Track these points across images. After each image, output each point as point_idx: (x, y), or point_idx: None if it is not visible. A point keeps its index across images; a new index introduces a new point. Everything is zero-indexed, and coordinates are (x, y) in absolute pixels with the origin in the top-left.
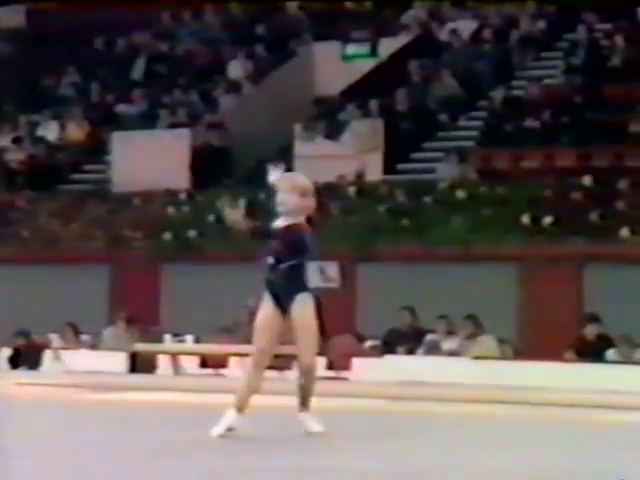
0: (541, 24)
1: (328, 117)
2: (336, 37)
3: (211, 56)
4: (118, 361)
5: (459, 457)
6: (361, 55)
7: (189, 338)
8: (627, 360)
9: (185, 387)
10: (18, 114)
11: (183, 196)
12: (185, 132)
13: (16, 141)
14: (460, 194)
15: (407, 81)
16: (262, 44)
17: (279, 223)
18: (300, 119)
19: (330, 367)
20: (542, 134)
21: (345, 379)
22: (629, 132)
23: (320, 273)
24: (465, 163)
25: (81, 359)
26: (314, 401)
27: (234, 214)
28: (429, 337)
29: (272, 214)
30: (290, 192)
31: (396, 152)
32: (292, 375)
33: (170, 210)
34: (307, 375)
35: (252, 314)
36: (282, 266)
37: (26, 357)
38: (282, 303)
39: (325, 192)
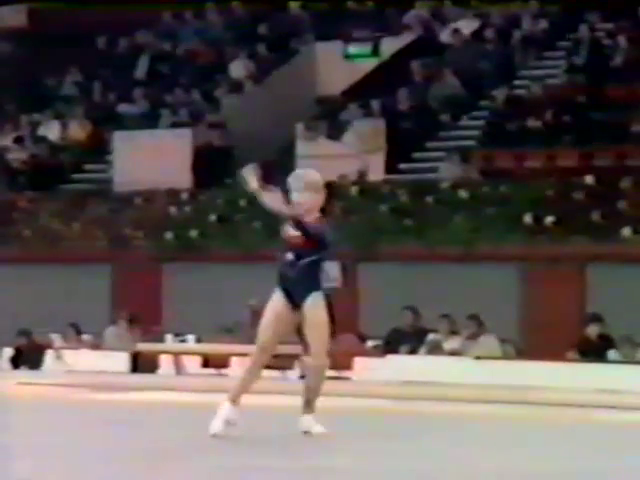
0: (543, 23)
1: (330, 117)
2: (338, 37)
3: (213, 55)
4: (120, 361)
5: (461, 457)
6: (363, 55)
7: (191, 338)
8: (629, 360)
9: (187, 387)
10: (20, 114)
11: (185, 196)
12: (187, 132)
13: (18, 141)
14: (462, 194)
15: (409, 81)
16: (264, 43)
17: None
18: (302, 119)
19: (332, 367)
20: (544, 134)
21: (347, 379)
22: (631, 132)
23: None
24: (467, 163)
25: (83, 359)
26: (316, 401)
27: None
28: (431, 337)
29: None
30: (304, 190)
31: (398, 152)
32: (293, 375)
33: (172, 210)
34: (316, 375)
35: (254, 314)
36: (302, 262)
37: (28, 357)
38: (294, 299)
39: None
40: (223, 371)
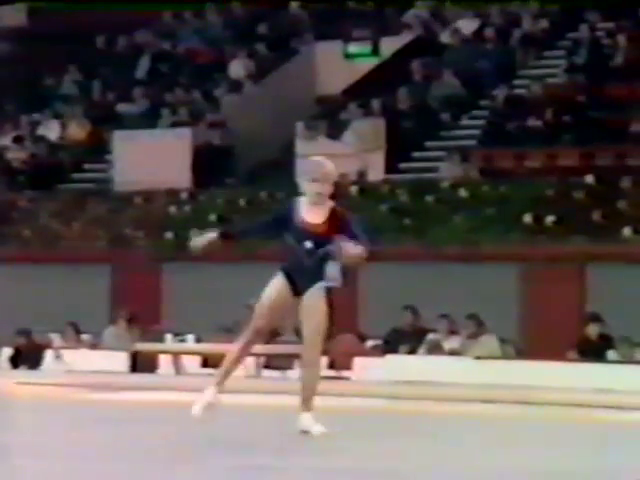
0: (543, 23)
1: (330, 116)
2: (338, 36)
3: (213, 55)
4: (119, 361)
5: (460, 457)
6: (363, 54)
7: (190, 338)
8: (628, 360)
9: (186, 387)
10: (19, 113)
11: (184, 195)
12: (186, 131)
13: (17, 140)
14: (462, 193)
15: (409, 80)
16: (264, 43)
17: (312, 209)
18: (302, 118)
19: (331, 366)
20: (544, 133)
21: (346, 378)
22: (632, 131)
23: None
24: (467, 162)
25: (82, 359)
26: (316, 401)
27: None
28: (431, 336)
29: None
30: (324, 181)
31: (398, 151)
32: (293, 375)
33: (171, 209)
34: (309, 369)
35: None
36: (320, 251)
37: (27, 356)
38: (298, 287)
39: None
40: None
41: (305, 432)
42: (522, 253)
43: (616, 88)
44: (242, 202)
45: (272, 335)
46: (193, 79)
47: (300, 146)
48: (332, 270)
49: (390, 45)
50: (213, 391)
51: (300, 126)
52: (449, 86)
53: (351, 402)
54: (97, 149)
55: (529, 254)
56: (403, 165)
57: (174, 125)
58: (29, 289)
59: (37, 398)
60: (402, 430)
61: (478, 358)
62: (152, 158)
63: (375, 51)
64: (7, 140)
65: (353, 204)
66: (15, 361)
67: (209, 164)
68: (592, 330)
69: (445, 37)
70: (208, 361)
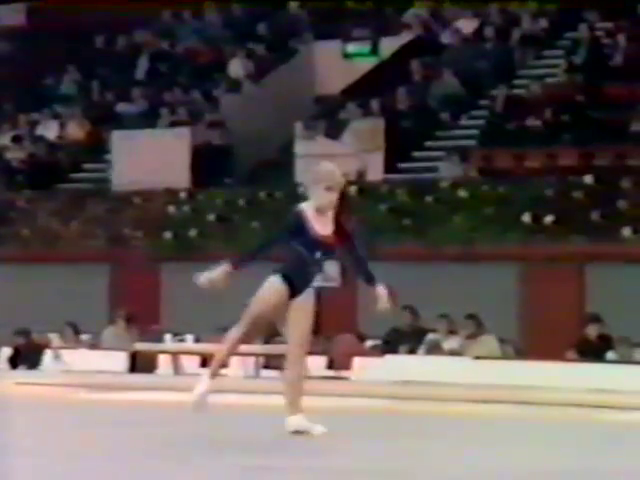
0: (542, 22)
1: (329, 116)
2: (337, 36)
3: (212, 55)
4: (118, 361)
5: (460, 457)
6: (362, 54)
7: (189, 337)
8: (627, 360)
9: (185, 387)
10: (18, 113)
11: (183, 195)
12: (185, 131)
13: (16, 140)
14: (461, 193)
15: (408, 80)
16: (263, 43)
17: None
18: (301, 118)
19: (331, 366)
20: (544, 133)
21: (346, 379)
22: (631, 131)
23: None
24: (466, 162)
25: (81, 358)
26: (315, 401)
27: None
28: (430, 336)
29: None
30: (336, 189)
31: (397, 151)
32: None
33: (170, 209)
34: (293, 369)
35: None
36: (325, 259)
37: (26, 356)
38: (296, 291)
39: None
40: (222, 371)
41: (298, 433)
42: (521, 253)
43: (615, 88)
44: (241, 202)
45: (271, 335)
46: (192, 79)
47: (299, 146)
48: (331, 270)
49: (389, 45)
50: (207, 382)
51: (299, 126)
52: (448, 86)
53: (350, 402)
54: (96, 149)
55: (528, 254)
56: (402, 165)
57: (173, 125)
58: (28, 289)
59: (36, 398)
60: (401, 430)
61: (477, 358)
62: (151, 158)
63: (374, 51)
64: (6, 140)
65: (352, 204)
66: (14, 361)
67: (208, 164)
68: (591, 330)
69: (444, 37)
70: (207, 361)
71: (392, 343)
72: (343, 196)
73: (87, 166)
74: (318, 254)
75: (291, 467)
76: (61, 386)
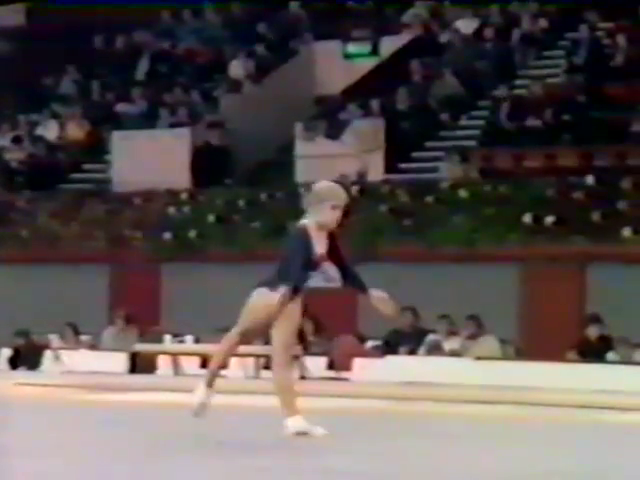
0: (543, 23)
1: (329, 116)
2: (337, 36)
3: (212, 55)
4: (118, 361)
5: (460, 457)
6: (362, 54)
7: (189, 338)
8: (627, 361)
9: (185, 388)
10: (17, 113)
11: (183, 196)
12: (185, 131)
13: (16, 140)
14: (462, 194)
15: (408, 80)
16: (263, 43)
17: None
18: (301, 118)
19: (331, 367)
20: (544, 133)
21: (346, 379)
22: (631, 131)
23: (321, 273)
24: (467, 162)
25: (81, 359)
26: (316, 402)
27: None
28: (431, 337)
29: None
30: (339, 208)
31: (397, 151)
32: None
33: (170, 210)
34: (281, 371)
35: None
36: (314, 276)
37: (26, 357)
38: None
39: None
40: (221, 372)
41: (299, 435)
42: (522, 253)
43: (616, 88)
44: (241, 202)
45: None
46: (192, 79)
47: (299, 146)
48: (331, 271)
49: (389, 45)
50: (204, 392)
51: (299, 126)
52: (449, 86)
53: (351, 403)
54: (96, 149)
55: (529, 254)
56: (403, 165)
57: (173, 125)
58: (28, 290)
59: (36, 399)
60: (402, 431)
61: (478, 359)
62: (151, 158)
63: (374, 51)
64: (5, 140)
65: (353, 204)
66: (14, 362)
67: (208, 164)
68: (592, 331)
69: (445, 37)
70: (207, 362)
71: (392, 344)
72: (346, 214)
73: (87, 167)
74: (313, 274)
75: (291, 467)
76: (61, 387)
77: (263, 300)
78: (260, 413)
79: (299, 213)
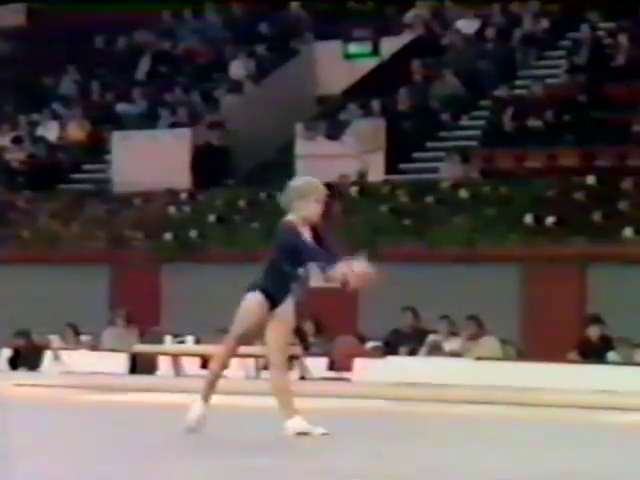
0: (544, 23)
1: (330, 116)
2: (338, 36)
3: (212, 55)
4: (118, 362)
5: (461, 458)
6: (363, 54)
7: (190, 339)
8: (627, 361)
9: (186, 388)
10: (18, 113)
11: (184, 196)
12: (186, 132)
13: (16, 141)
14: (462, 194)
15: (409, 80)
16: (264, 43)
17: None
18: (302, 118)
19: (332, 368)
20: (545, 134)
21: (347, 380)
22: (632, 131)
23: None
24: (467, 163)
25: (81, 360)
26: (316, 402)
27: None
28: (431, 338)
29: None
30: (321, 201)
31: (398, 152)
32: (293, 376)
33: (171, 210)
34: (277, 373)
35: None
36: (303, 273)
37: (26, 358)
38: (277, 304)
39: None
40: (223, 371)
41: (301, 435)
42: (522, 254)
43: (617, 88)
44: (241, 203)
45: None
46: (192, 79)
47: (300, 146)
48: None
49: (390, 45)
50: (202, 406)
51: (300, 126)
52: (449, 86)
53: (351, 403)
54: (96, 149)
55: (530, 255)
56: (403, 166)
57: (173, 125)
58: (28, 290)
59: (36, 400)
60: (402, 432)
61: (478, 359)
62: (151, 159)
63: (375, 51)
64: (6, 140)
65: (353, 205)
66: (14, 362)
67: (208, 164)
68: (593, 331)
69: (446, 37)
70: (207, 362)
71: (393, 344)
72: (326, 206)
73: (87, 167)
74: (301, 270)
75: (291, 468)
76: (61, 387)
77: (255, 302)
78: (260, 413)
79: None
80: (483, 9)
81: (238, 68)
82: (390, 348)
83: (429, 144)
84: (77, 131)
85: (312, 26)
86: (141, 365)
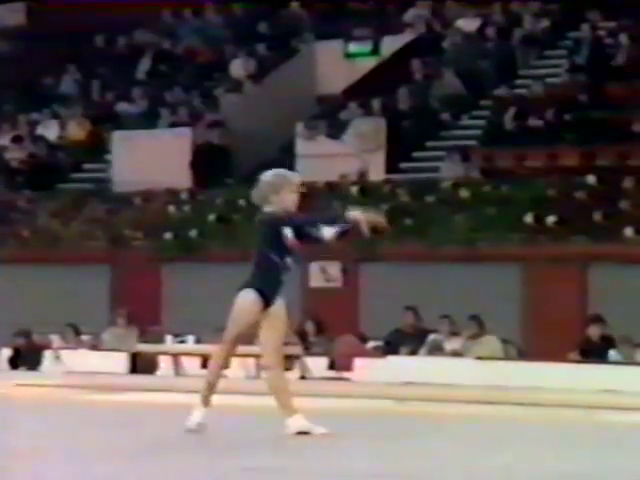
0: (545, 22)
1: (330, 116)
2: (338, 35)
3: (213, 54)
4: (119, 362)
5: (461, 458)
6: (363, 53)
7: (190, 338)
8: (629, 360)
9: (186, 388)
10: (18, 113)
11: (184, 195)
12: (186, 131)
13: (16, 140)
14: (463, 193)
15: (409, 80)
16: (264, 42)
17: None
18: (302, 118)
19: (332, 367)
20: (545, 133)
21: (347, 379)
22: (633, 131)
23: (322, 273)
24: (468, 162)
25: (81, 359)
26: (317, 402)
27: None
28: (432, 337)
29: None
30: (296, 191)
31: (398, 151)
32: (293, 376)
33: (171, 209)
34: (273, 373)
35: None
36: (291, 263)
37: (26, 357)
38: (270, 301)
39: (327, 191)
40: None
41: (301, 434)
42: (523, 253)
43: (618, 88)
44: (242, 202)
45: None
46: (193, 79)
47: (300, 146)
48: (333, 271)
49: (391, 44)
50: (202, 412)
51: (300, 126)
52: (450, 86)
53: (352, 403)
54: (96, 149)
55: (530, 254)
56: (404, 165)
57: (174, 125)
58: (28, 290)
59: (36, 399)
60: (403, 431)
61: (479, 359)
62: (151, 158)
63: (375, 50)
64: (6, 140)
65: (353, 204)
66: (14, 362)
67: (209, 164)
68: (594, 331)
69: (446, 37)
70: (208, 362)
71: (394, 344)
72: (302, 196)
73: (87, 166)
74: (289, 260)
75: (291, 468)
76: (61, 387)
77: (249, 302)
78: (260, 413)
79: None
80: (483, 8)
81: (238, 67)
82: (391, 348)
83: (429, 143)
84: (77, 131)
85: (312, 25)
86: (141, 365)
